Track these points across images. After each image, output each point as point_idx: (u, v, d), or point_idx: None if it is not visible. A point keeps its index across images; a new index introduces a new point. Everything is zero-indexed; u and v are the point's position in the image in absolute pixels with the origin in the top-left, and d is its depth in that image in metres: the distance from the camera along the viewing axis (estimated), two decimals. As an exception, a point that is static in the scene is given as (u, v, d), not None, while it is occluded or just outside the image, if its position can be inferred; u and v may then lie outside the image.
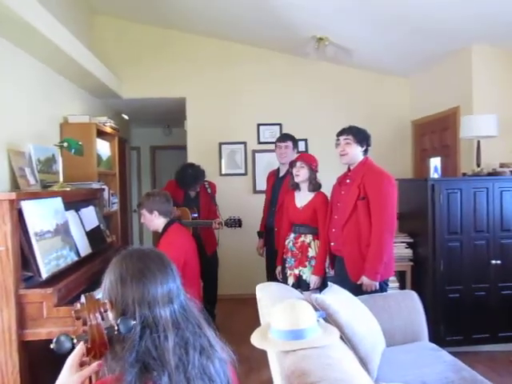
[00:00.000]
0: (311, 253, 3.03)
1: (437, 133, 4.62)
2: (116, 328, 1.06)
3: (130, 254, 1.20)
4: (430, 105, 4.70)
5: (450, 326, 3.39)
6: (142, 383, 1.01)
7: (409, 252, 3.73)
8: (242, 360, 1.24)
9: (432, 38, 3.94)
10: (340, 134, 2.86)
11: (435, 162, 4.03)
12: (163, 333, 1.08)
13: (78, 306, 1.11)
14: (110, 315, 1.14)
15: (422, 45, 4.12)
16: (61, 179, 2.99)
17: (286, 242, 3.17)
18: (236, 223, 3.75)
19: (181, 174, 3.91)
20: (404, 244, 3.73)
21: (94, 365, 1.08)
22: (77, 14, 4.35)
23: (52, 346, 1.03)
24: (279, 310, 1.67)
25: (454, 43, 3.96)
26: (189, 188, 3.93)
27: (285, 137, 3.76)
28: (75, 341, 1.06)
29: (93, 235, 3.00)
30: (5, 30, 2.69)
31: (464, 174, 3.76)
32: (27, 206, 2.22)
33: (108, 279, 1.17)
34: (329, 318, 1.94)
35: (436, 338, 2.93)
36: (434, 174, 3.98)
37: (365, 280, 2.65)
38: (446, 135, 4.41)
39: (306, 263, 3.03)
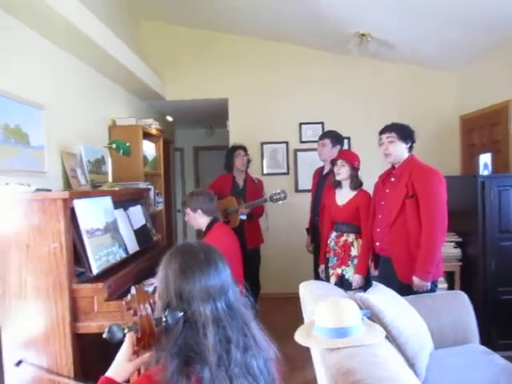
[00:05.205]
0: (354, 252, 2.98)
1: (486, 128, 4.42)
2: (164, 319, 1.09)
3: (177, 250, 1.23)
4: (479, 99, 4.50)
5: (503, 328, 3.24)
6: (184, 375, 1.03)
7: (457, 252, 3.60)
8: (285, 359, 1.23)
9: (481, 29, 3.77)
10: (382, 132, 2.74)
11: (485, 159, 3.85)
12: (203, 329, 1.09)
13: (129, 297, 1.15)
14: (159, 305, 1.18)
15: (471, 36, 3.95)
16: (110, 179, 3.09)
17: (329, 241, 3.13)
18: (281, 195, 3.68)
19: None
20: (452, 243, 3.60)
21: (147, 355, 1.12)
22: (122, 20, 4.50)
23: (104, 335, 1.08)
24: (323, 307, 1.65)
25: (505, 34, 3.78)
26: (232, 158, 4.00)
27: (323, 134, 3.75)
28: (126, 331, 1.10)
29: (140, 233, 3.09)
30: (65, 42, 2.88)
31: (517, 171, 3.59)
32: (79, 205, 2.31)
33: (159, 272, 1.21)
34: (374, 318, 1.91)
35: (487, 340, 2.81)
36: (484, 171, 3.81)
37: (416, 280, 2.54)
38: (497, 130, 4.21)
39: (349, 262, 2.98)
